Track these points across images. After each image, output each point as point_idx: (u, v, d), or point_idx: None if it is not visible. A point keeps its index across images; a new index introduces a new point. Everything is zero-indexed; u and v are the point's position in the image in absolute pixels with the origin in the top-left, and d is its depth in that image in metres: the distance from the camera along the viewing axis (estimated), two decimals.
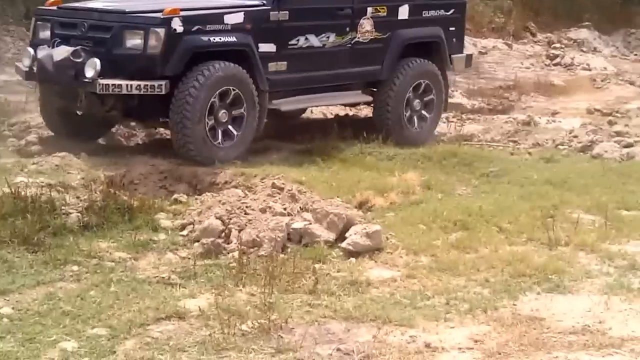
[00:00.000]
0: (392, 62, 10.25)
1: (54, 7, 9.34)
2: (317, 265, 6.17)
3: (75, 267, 6.04)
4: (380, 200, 7.65)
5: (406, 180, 8.29)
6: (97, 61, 8.44)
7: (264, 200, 7.07)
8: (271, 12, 9.24)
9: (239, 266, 6.02)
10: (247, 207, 6.89)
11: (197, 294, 5.67)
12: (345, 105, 11.21)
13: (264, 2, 9.25)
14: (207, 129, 8.64)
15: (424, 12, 10.56)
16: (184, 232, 6.77)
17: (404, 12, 10.34)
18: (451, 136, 11.01)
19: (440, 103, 10.76)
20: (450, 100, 12.37)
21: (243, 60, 9.00)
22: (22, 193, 6.82)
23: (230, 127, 8.90)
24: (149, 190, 7.98)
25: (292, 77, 9.54)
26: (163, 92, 8.52)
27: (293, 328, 5.24)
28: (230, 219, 6.70)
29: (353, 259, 6.38)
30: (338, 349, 4.99)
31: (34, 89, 9.86)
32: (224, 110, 8.82)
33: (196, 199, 7.52)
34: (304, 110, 11.26)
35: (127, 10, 8.92)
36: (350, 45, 9.95)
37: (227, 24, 8.92)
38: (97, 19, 8.90)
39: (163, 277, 5.93)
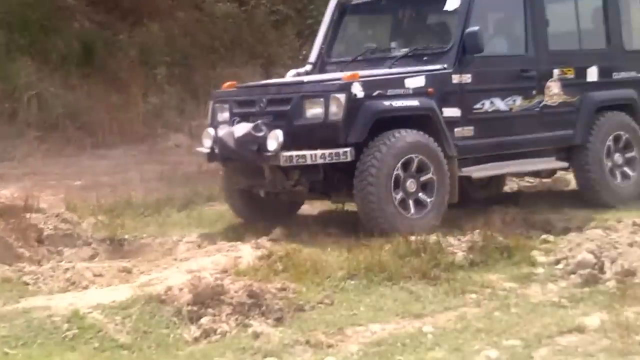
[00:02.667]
0: (585, 125, 9.81)
1: (232, 89, 9.48)
2: None
3: (473, 295, 6.94)
4: None
5: None
6: (280, 133, 8.40)
7: (628, 237, 7.73)
8: (453, 75, 9.01)
9: (620, 290, 6.69)
10: (615, 242, 7.56)
11: (589, 313, 6.41)
12: (536, 174, 10.67)
13: (445, 65, 9.02)
14: (396, 202, 8.43)
15: (614, 74, 10.18)
16: (560, 266, 7.53)
17: (592, 74, 9.99)
18: None
19: None
20: None
21: (428, 126, 8.76)
22: (411, 237, 7.82)
23: (420, 195, 8.64)
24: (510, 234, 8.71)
25: (480, 143, 9.21)
26: (348, 159, 8.34)
27: None
28: (602, 252, 7.40)
29: None
30: None
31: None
32: (411, 180, 8.58)
33: (562, 238, 8.23)
34: (501, 183, 10.97)
35: (305, 80, 9.05)
36: (538, 108, 9.59)
37: (409, 88, 8.73)
38: (275, 92, 8.94)
39: (554, 301, 6.73)
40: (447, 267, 7.44)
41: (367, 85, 8.52)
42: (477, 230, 7.97)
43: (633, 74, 10.33)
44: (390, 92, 8.63)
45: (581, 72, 9.91)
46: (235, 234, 8.82)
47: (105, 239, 9.31)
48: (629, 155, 10.09)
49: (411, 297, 6.94)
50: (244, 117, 8.86)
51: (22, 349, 6.19)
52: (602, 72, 10.06)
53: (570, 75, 9.81)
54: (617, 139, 10.02)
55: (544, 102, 9.63)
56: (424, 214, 8.59)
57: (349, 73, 8.65)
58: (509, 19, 9.93)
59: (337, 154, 8.33)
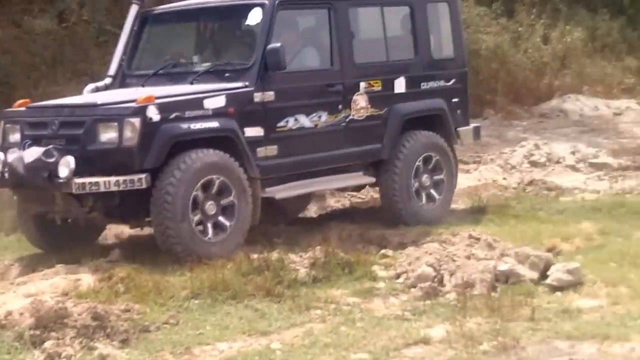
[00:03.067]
0: (392, 139, 9.56)
1: (23, 108, 8.89)
2: (528, 299, 6.97)
3: (318, 311, 6.98)
4: (567, 245, 8.45)
5: (582, 229, 9.07)
6: (71, 159, 7.97)
7: (464, 250, 7.95)
8: (255, 94, 8.69)
9: (461, 303, 6.88)
10: (453, 255, 7.76)
11: (432, 325, 6.55)
12: (344, 189, 10.42)
13: (247, 83, 8.71)
14: (193, 225, 8.15)
15: (422, 84, 9.94)
16: (400, 280, 7.66)
17: (400, 85, 9.74)
18: (610, 192, 11.54)
19: (451, 177, 10.07)
20: (595, 160, 13.08)
21: (229, 147, 8.46)
22: (253, 255, 7.84)
23: (220, 218, 8.37)
24: (349, 250, 8.82)
25: (285, 162, 8.91)
26: (143, 186, 8.00)
27: (524, 347, 6.05)
28: (440, 266, 7.57)
29: (559, 293, 7.19)
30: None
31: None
32: (210, 202, 8.30)
33: (401, 252, 8.38)
34: (306, 201, 10.66)
35: (98, 102, 8.49)
36: (344, 123, 9.32)
37: (208, 109, 8.41)
38: (68, 114, 8.43)
39: (398, 314, 6.84)
40: (291, 284, 7.45)
41: (163, 107, 8.15)
42: (318, 247, 8.03)
43: (442, 83, 10.10)
44: (188, 113, 8.28)
45: (389, 84, 9.65)
46: (71, 255, 8.60)
47: None
48: (436, 177, 9.92)
49: (256, 314, 6.92)
50: (36, 140, 8.36)
51: None
52: (410, 83, 9.81)
53: (378, 87, 9.55)
54: (426, 160, 9.83)
55: (350, 117, 9.35)
56: (223, 238, 8.33)
57: (144, 95, 8.22)
58: (314, 32, 9.68)
59: (132, 181, 7.98)
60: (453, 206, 10.43)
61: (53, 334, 6.46)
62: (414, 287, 7.40)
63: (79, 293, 7.24)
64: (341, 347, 6.14)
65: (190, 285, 7.40)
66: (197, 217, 8.20)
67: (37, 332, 6.47)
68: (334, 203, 11.18)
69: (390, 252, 8.50)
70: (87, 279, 7.67)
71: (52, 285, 7.58)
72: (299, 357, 6.04)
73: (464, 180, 12.15)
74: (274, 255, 7.82)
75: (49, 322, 6.54)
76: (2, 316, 6.72)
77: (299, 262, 7.84)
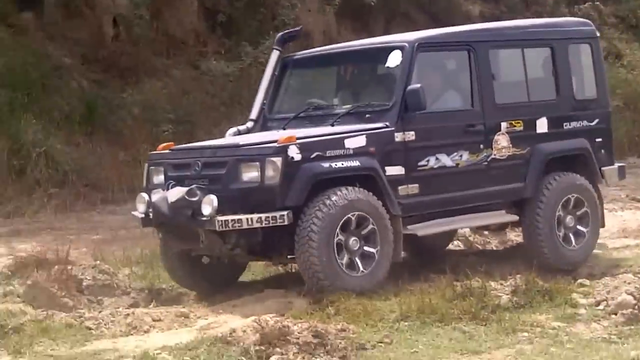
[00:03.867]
0: (536, 177, 9.50)
1: (167, 151, 9.17)
2: None
3: (525, 334, 7.26)
4: None
5: None
6: (214, 198, 8.15)
7: None
8: (396, 134, 8.78)
9: None
10: None
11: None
12: (486, 227, 10.38)
13: (387, 123, 8.80)
14: (341, 263, 8.27)
15: (564, 124, 9.85)
16: (600, 307, 7.85)
17: (542, 126, 9.68)
18: None
19: (596, 219, 9.86)
20: None
21: (370, 186, 8.55)
22: (455, 283, 8.20)
23: (365, 248, 8.47)
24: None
25: (426, 200, 8.96)
26: (286, 223, 8.11)
27: None
28: None
29: None
30: None
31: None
32: (353, 238, 8.39)
33: (597, 282, 8.60)
34: (450, 238, 10.73)
35: (240, 143, 8.70)
36: (486, 162, 9.33)
37: (349, 149, 8.52)
38: (210, 155, 8.66)
39: (604, 337, 7.09)
40: (494, 309, 7.72)
41: (304, 147, 8.29)
42: (518, 275, 8.31)
43: (585, 123, 10.01)
44: (329, 153, 8.41)
45: (531, 124, 9.63)
46: (277, 282, 9.10)
47: (143, 288, 9.57)
48: (580, 218, 9.78)
49: (465, 336, 7.24)
50: (179, 181, 8.60)
51: None
52: (553, 123, 9.76)
53: (519, 127, 9.54)
54: (570, 202, 9.71)
55: (492, 156, 9.36)
56: (372, 268, 8.43)
57: (285, 135, 8.41)
58: (453, 73, 9.74)
59: (275, 218, 8.10)
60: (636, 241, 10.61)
61: (277, 349, 6.89)
62: (615, 314, 7.61)
63: (294, 314, 7.68)
64: None
65: (399, 308, 7.76)
66: (344, 259, 8.31)
67: (262, 348, 6.91)
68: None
69: (587, 282, 8.70)
70: (298, 302, 8.13)
71: (265, 307, 8.06)
72: None
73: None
74: (475, 282, 8.13)
75: (272, 339, 6.98)
76: (227, 333, 7.18)
77: (500, 289, 8.15)
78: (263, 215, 8.10)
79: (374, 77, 9.75)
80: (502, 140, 9.45)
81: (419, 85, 8.75)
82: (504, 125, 9.46)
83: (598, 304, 7.92)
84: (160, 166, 8.97)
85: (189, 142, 13.87)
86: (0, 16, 16.17)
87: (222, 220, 8.12)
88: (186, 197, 8.27)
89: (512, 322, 7.48)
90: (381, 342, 7.16)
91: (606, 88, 10.46)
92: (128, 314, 7.96)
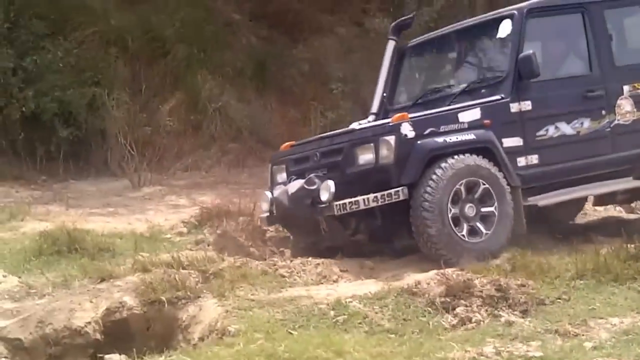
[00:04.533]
0: None
1: (288, 149, 9.34)
2: None
3: None
4: None
5: None
6: (332, 183, 8.22)
7: None
8: (511, 104, 8.68)
9: None
10: None
11: None
12: (612, 200, 10.04)
13: (502, 95, 8.71)
14: (451, 222, 8.19)
15: None
16: None
17: None
18: None
19: None
20: None
21: (487, 158, 8.45)
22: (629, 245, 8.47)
23: (478, 224, 8.38)
24: None
25: (547, 170, 8.80)
26: (401, 198, 8.08)
27: None
28: None
29: None
30: None
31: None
32: (469, 204, 8.33)
33: None
34: (578, 209, 10.54)
35: (357, 128, 8.78)
36: (609, 129, 9.09)
37: (464, 122, 8.46)
38: (327, 145, 8.72)
39: None
40: None
41: (417, 124, 8.28)
42: None
43: None
44: (443, 128, 8.37)
45: None
46: None
47: None
48: None
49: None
50: (300, 174, 8.74)
51: (301, 330, 7.03)
52: None
53: None
54: None
55: (615, 122, 9.13)
56: (494, 229, 8.38)
57: (398, 114, 8.42)
58: (568, 38, 9.48)
59: (390, 195, 8.09)
60: None
61: (462, 301, 7.34)
62: None
63: (473, 269, 8.09)
64: None
65: (574, 267, 8.09)
66: (454, 211, 8.24)
67: (448, 300, 7.38)
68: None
69: None
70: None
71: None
72: None
73: None
74: None
75: (457, 291, 7.45)
76: (413, 285, 7.68)
77: None
78: (379, 194, 8.10)
79: (488, 51, 9.67)
80: (625, 105, 9.22)
81: (531, 51, 8.63)
82: (626, 88, 9.22)
83: None
84: (283, 164, 9.15)
85: (354, 102, 14.23)
86: None
87: (339, 204, 8.17)
88: (305, 186, 8.41)
89: None
90: (559, 299, 7.50)
91: None
92: (318, 264, 8.48)
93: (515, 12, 9.02)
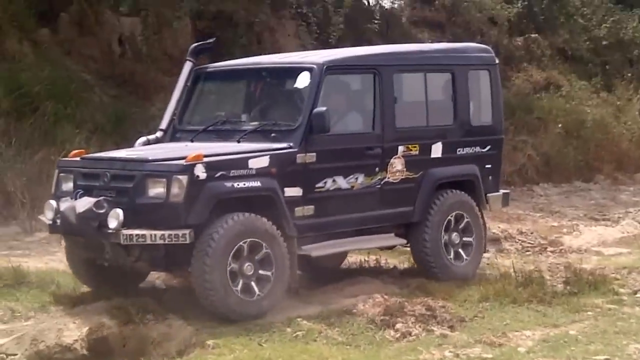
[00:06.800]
0: (424, 202, 9.81)
1: (77, 158, 9.19)
2: None
3: (589, 313, 8.99)
4: None
5: None
6: (120, 212, 8.25)
7: None
8: (298, 155, 8.95)
9: None
10: None
11: None
12: (379, 248, 10.65)
13: (291, 144, 8.98)
14: (229, 282, 8.37)
15: (458, 149, 10.19)
16: (638, 295, 9.61)
17: (437, 150, 9.98)
18: None
19: (480, 238, 10.32)
20: None
21: (269, 205, 8.76)
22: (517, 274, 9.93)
23: (261, 272, 8.60)
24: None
25: (320, 222, 9.16)
26: (187, 242, 8.23)
27: None
28: None
29: None
30: None
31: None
32: (248, 264, 8.53)
33: (626, 276, 10.40)
34: (342, 259, 10.86)
35: (150, 158, 8.70)
36: (379, 186, 9.56)
37: (252, 169, 8.64)
38: (119, 168, 8.69)
39: None
40: (554, 295, 9.44)
41: (210, 166, 8.40)
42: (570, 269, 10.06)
43: (477, 149, 10.33)
44: (233, 172, 8.53)
45: (426, 148, 9.87)
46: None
47: None
48: (466, 239, 10.20)
49: (539, 314, 8.92)
50: (87, 190, 8.69)
51: (269, 343, 7.94)
52: (447, 148, 10.03)
53: (415, 151, 9.78)
54: (457, 219, 10.11)
55: (385, 179, 9.60)
56: (259, 298, 8.57)
57: (193, 153, 8.46)
58: (358, 96, 9.85)
59: (177, 236, 8.21)
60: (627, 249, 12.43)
61: (399, 319, 8.51)
62: None
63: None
64: (631, 334, 8.26)
65: (479, 292, 9.50)
66: (239, 284, 8.46)
67: (386, 318, 8.54)
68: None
69: (618, 276, 10.41)
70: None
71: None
72: (598, 339, 8.15)
73: (613, 233, 14.00)
74: (534, 274, 9.87)
75: (394, 311, 8.64)
76: (351, 306, 8.82)
77: (553, 280, 9.99)
78: (166, 233, 8.21)
79: (282, 95, 9.84)
80: (397, 164, 9.66)
81: (324, 108, 8.91)
82: (401, 148, 9.68)
83: (636, 292, 9.73)
84: (70, 173, 9.02)
85: None
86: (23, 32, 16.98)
87: (127, 235, 8.24)
88: (94, 209, 8.35)
89: (573, 304, 9.17)
90: (476, 316, 8.89)
91: (501, 114, 10.76)
92: None
93: (315, 66, 9.24)
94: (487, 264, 11.07)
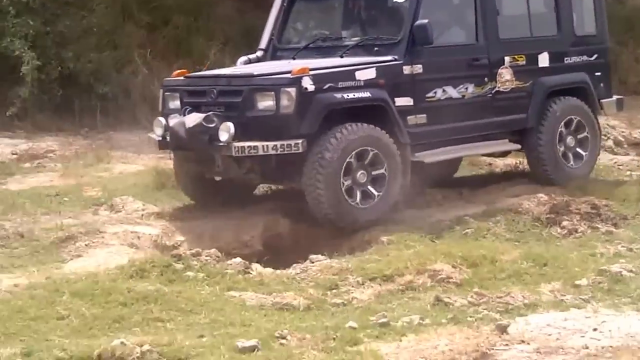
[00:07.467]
0: (537, 110, 9.99)
1: (181, 77, 9.40)
2: None
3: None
4: None
5: None
6: (231, 125, 8.38)
7: None
8: (404, 67, 9.13)
9: None
10: None
11: None
12: (490, 155, 10.84)
13: (396, 57, 9.15)
14: (343, 189, 8.52)
15: (565, 58, 10.40)
16: None
17: (544, 60, 10.18)
18: None
19: (595, 138, 10.45)
20: None
21: (380, 115, 8.87)
22: None
23: (369, 187, 8.71)
24: None
25: (434, 129, 9.31)
26: (300, 151, 8.39)
27: None
28: None
29: None
30: None
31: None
32: (361, 171, 8.66)
33: None
34: (455, 167, 10.97)
35: (255, 73, 8.93)
36: (490, 95, 9.76)
37: (360, 80, 8.79)
38: (225, 84, 8.90)
39: None
40: None
41: (317, 78, 8.54)
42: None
43: (585, 58, 10.51)
44: (341, 84, 8.68)
45: (533, 58, 10.08)
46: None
47: None
48: (581, 140, 10.33)
49: None
50: (195, 107, 8.84)
51: (441, 240, 8.28)
52: (554, 58, 10.23)
53: (522, 61, 9.99)
54: (568, 123, 10.23)
55: (496, 88, 9.78)
56: (370, 206, 8.70)
57: (299, 66, 8.65)
58: (459, 9, 9.96)
59: (289, 146, 8.37)
60: None
61: (564, 217, 8.91)
62: None
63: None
64: None
65: (638, 192, 9.76)
66: (347, 183, 8.59)
67: (552, 216, 8.95)
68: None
69: None
70: None
71: None
72: None
73: None
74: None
75: (559, 209, 9.04)
76: (516, 205, 9.17)
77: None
78: (278, 143, 8.39)
79: (382, 10, 9.93)
80: (505, 74, 9.86)
81: (426, 20, 9.09)
82: (507, 59, 9.89)
83: None
84: (176, 92, 9.21)
85: None
86: None
87: (238, 147, 8.40)
88: (204, 123, 8.51)
89: None
90: (638, 214, 9.23)
91: (605, 25, 10.88)
92: None
93: None
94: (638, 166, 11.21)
